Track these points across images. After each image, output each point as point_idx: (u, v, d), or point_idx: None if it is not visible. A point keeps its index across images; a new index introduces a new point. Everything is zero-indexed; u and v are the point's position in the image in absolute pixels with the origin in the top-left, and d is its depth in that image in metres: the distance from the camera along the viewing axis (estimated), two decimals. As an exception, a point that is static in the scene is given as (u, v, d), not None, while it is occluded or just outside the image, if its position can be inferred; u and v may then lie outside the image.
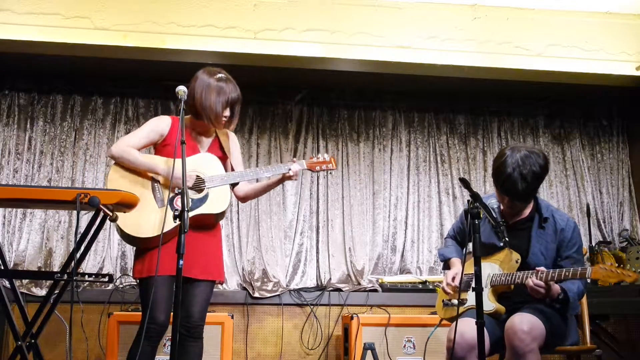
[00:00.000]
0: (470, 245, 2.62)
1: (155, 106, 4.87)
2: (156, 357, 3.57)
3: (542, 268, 2.53)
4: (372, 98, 5.09)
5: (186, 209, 2.26)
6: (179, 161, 2.44)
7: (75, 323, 4.10)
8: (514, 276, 2.61)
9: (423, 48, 4.54)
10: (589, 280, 4.39)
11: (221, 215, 2.69)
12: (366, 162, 5.03)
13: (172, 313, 2.71)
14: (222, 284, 2.82)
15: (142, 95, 4.86)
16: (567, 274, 2.45)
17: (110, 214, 2.25)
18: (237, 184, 2.84)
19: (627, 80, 4.71)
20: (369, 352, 3.81)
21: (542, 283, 2.48)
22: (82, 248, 2.34)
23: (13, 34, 4.19)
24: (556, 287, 2.52)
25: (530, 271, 2.56)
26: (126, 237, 2.58)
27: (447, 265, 3.02)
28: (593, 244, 4.69)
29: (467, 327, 2.47)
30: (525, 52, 4.61)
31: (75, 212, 2.24)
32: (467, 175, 5.05)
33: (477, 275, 2.30)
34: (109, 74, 4.66)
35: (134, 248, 2.70)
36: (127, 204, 2.31)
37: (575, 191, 5.17)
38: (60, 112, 4.76)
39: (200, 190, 2.62)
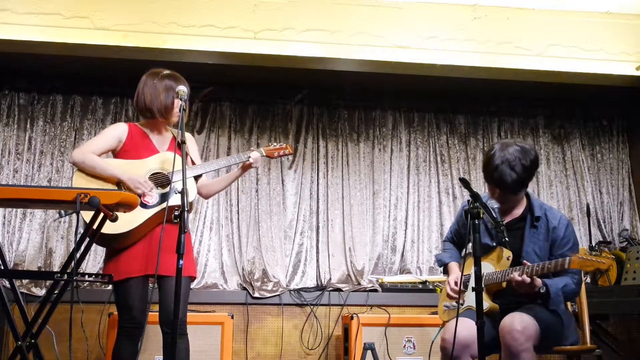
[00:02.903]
0: (469, 245, 2.62)
1: (155, 106, 4.86)
2: (156, 357, 3.60)
3: (526, 262, 2.56)
4: (372, 98, 5.08)
5: (186, 209, 2.27)
6: (132, 165, 2.67)
7: (75, 323, 4.10)
8: (504, 273, 2.62)
9: (423, 48, 4.54)
10: (588, 280, 4.41)
11: (189, 207, 2.71)
12: (366, 162, 5.03)
13: (156, 312, 2.74)
14: (193, 280, 2.88)
15: (142, 95, 4.85)
16: (549, 266, 2.49)
17: (110, 214, 2.25)
18: (200, 177, 2.90)
19: (627, 80, 4.71)
20: (369, 352, 3.81)
21: (526, 278, 2.49)
22: (82, 248, 2.34)
23: (13, 34, 4.19)
24: (538, 281, 2.53)
25: (517, 267, 2.58)
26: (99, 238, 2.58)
27: (445, 270, 3.03)
28: (593, 244, 4.69)
29: (461, 327, 2.48)
30: (525, 52, 4.61)
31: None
32: (467, 175, 5.05)
33: (477, 275, 2.31)
34: (109, 74, 4.65)
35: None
36: (127, 204, 2.31)
37: (575, 191, 5.17)
38: (60, 112, 4.76)
39: (164, 186, 2.68)
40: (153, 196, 2.66)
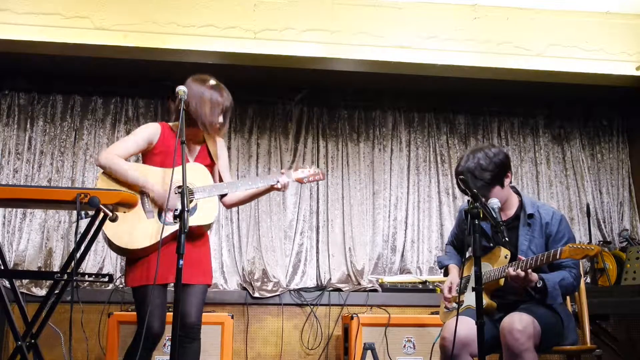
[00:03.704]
0: (469, 249, 2.62)
1: (155, 106, 4.87)
2: (156, 357, 3.60)
3: (522, 257, 2.56)
4: (372, 98, 5.09)
5: (186, 209, 2.26)
6: (159, 174, 2.57)
7: (75, 323, 4.10)
8: (500, 270, 2.63)
9: (423, 48, 4.53)
10: (588, 280, 4.41)
11: (210, 225, 2.72)
12: (366, 162, 5.03)
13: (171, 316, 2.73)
14: (209, 286, 2.85)
15: (142, 95, 4.86)
16: (542, 258, 2.49)
17: (110, 214, 2.25)
18: (225, 194, 2.85)
19: (627, 80, 4.71)
20: (369, 352, 3.81)
21: (520, 272, 2.50)
22: (82, 248, 2.34)
23: (13, 34, 4.18)
24: (534, 276, 2.53)
25: (512, 262, 2.59)
26: (116, 249, 2.58)
27: (446, 273, 3.05)
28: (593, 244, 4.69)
29: (461, 325, 2.49)
30: (525, 52, 4.61)
31: (75, 211, 2.24)
32: (467, 175, 5.05)
33: (477, 275, 2.31)
34: (109, 74, 4.66)
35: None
36: (128, 204, 2.31)
37: (575, 191, 5.17)
38: (60, 112, 4.76)
39: (189, 201, 2.60)
40: (175, 211, 2.62)
